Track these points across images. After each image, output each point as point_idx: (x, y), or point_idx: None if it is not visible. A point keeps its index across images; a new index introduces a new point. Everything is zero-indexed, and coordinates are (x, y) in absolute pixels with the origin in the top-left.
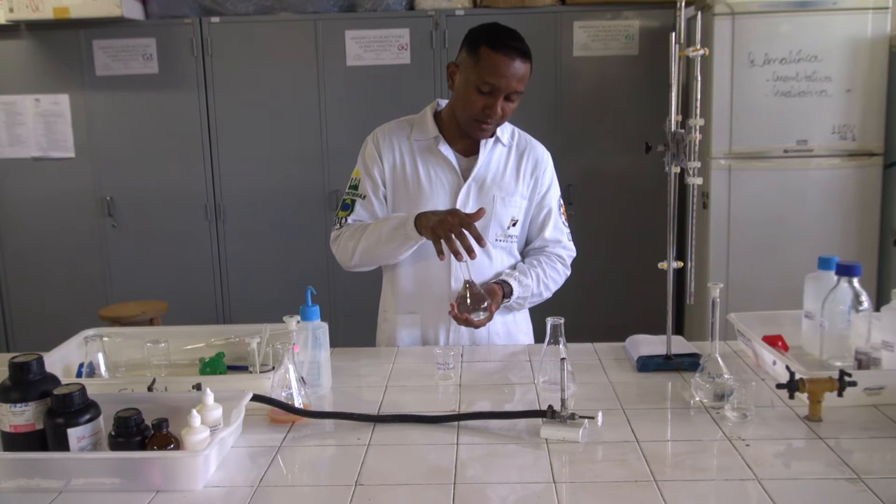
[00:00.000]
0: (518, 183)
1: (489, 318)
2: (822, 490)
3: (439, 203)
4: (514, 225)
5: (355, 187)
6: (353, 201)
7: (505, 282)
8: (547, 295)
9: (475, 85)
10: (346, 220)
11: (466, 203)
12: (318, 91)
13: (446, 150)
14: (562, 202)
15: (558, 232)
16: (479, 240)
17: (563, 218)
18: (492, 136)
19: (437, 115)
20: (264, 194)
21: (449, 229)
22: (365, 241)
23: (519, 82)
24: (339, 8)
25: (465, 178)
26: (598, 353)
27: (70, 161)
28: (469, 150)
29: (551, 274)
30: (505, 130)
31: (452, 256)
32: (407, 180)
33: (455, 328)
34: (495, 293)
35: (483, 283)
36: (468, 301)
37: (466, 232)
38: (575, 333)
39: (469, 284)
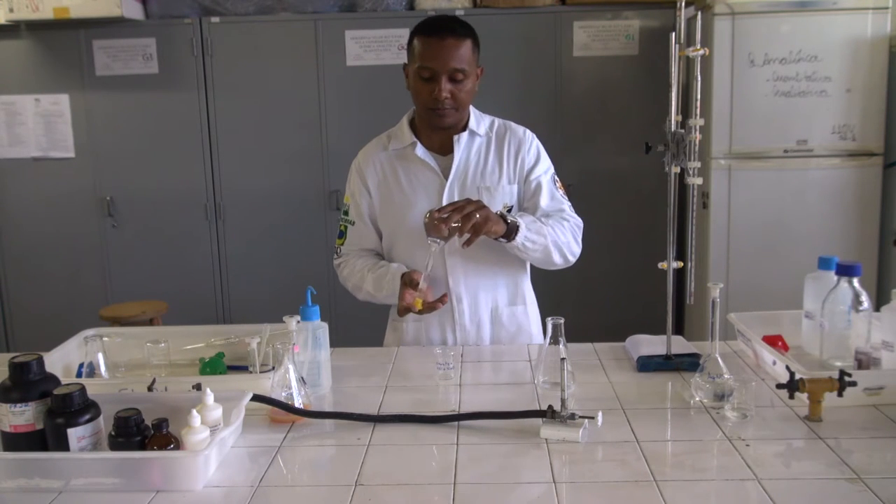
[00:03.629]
0: (503, 169)
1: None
2: (822, 490)
3: (425, 206)
4: (508, 211)
5: (346, 212)
6: (346, 228)
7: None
8: (553, 238)
9: (418, 74)
10: (341, 248)
11: (451, 200)
12: (318, 91)
13: (422, 152)
14: (557, 178)
15: (557, 202)
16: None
17: (562, 191)
18: (464, 130)
19: (413, 122)
20: (264, 194)
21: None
22: (363, 295)
23: (457, 61)
24: (339, 8)
25: (447, 176)
26: (598, 353)
27: (70, 161)
28: (447, 149)
29: (554, 224)
30: (482, 122)
31: (447, 262)
32: (392, 192)
33: (461, 330)
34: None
35: (482, 275)
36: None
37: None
38: (575, 333)
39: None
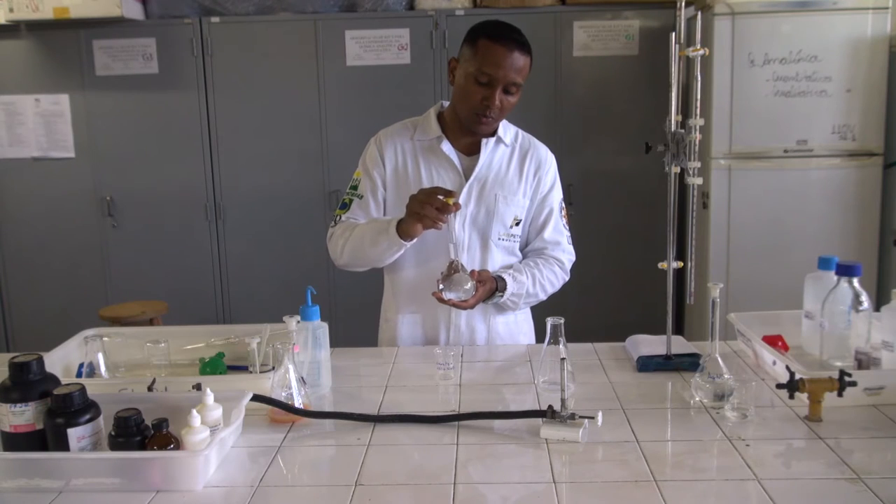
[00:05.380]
0: (521, 182)
1: (473, 301)
2: (822, 490)
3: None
4: (517, 224)
5: (355, 187)
6: (351, 200)
7: (500, 277)
8: (542, 297)
9: (474, 76)
10: (340, 217)
11: (468, 202)
12: (318, 91)
13: (448, 149)
14: (563, 205)
15: (558, 234)
16: (448, 194)
17: (565, 221)
18: (493, 136)
19: (441, 116)
20: (264, 194)
21: (419, 206)
22: (352, 241)
23: (517, 74)
24: (339, 8)
25: (467, 177)
26: (598, 353)
27: (70, 161)
28: (471, 150)
29: (548, 276)
30: (508, 131)
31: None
32: (409, 181)
33: (455, 328)
34: (487, 281)
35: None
36: (449, 280)
37: (437, 197)
38: (575, 333)
39: (452, 263)
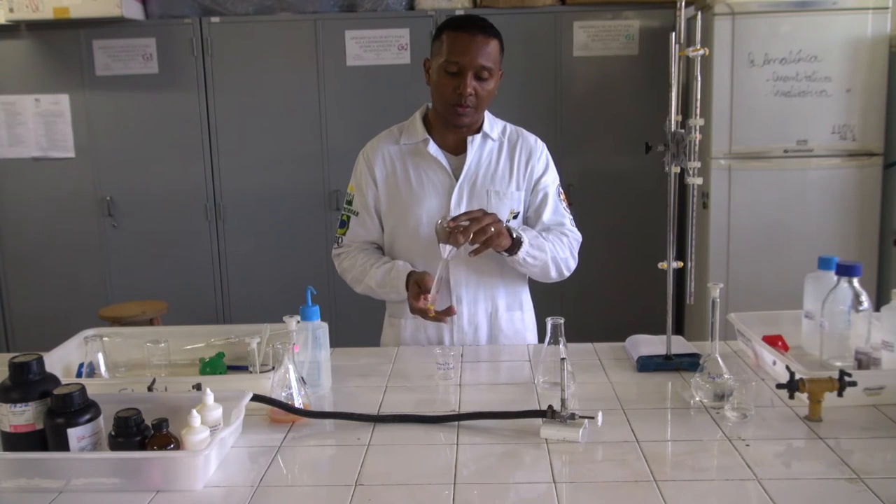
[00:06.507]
0: (513, 175)
1: (498, 226)
2: (822, 490)
3: (433, 205)
4: (514, 218)
5: (350, 202)
6: (349, 218)
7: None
8: (555, 254)
9: (443, 68)
10: (342, 238)
11: (460, 202)
12: (318, 91)
13: (435, 150)
14: (561, 190)
15: (559, 216)
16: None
17: (564, 204)
18: (478, 132)
19: (427, 119)
20: (264, 194)
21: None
22: (361, 287)
23: (485, 58)
24: (339, 8)
25: (457, 176)
26: (598, 353)
27: (70, 161)
28: (459, 149)
29: (554, 240)
30: (495, 126)
31: (450, 264)
32: (399, 187)
33: (459, 330)
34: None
35: (483, 279)
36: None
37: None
38: (575, 333)
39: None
